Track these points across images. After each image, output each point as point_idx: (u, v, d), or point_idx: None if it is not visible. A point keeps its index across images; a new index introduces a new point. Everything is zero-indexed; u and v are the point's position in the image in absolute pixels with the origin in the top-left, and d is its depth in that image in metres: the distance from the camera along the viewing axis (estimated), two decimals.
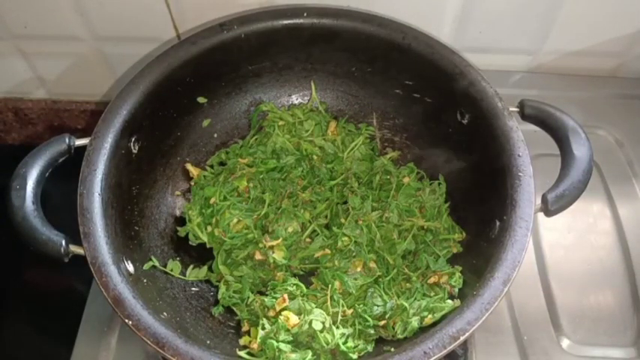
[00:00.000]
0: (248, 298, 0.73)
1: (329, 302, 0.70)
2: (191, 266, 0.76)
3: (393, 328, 0.67)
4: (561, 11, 0.86)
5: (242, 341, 0.70)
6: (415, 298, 0.68)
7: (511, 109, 0.70)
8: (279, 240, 0.76)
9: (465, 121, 0.76)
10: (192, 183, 0.83)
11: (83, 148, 0.67)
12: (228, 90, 0.85)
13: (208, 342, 0.67)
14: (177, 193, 0.83)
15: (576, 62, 0.95)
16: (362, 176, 0.84)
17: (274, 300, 0.69)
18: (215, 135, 0.87)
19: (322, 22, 0.79)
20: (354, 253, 0.75)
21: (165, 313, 0.64)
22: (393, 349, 0.59)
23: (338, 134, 0.86)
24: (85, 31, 0.90)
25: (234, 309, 0.74)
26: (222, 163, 0.86)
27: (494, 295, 0.58)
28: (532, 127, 0.70)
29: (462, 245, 0.76)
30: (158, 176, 0.80)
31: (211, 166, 0.86)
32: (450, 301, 0.66)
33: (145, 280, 0.68)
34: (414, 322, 0.66)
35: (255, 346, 0.66)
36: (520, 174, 0.65)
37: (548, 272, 0.78)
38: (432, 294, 0.69)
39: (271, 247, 0.75)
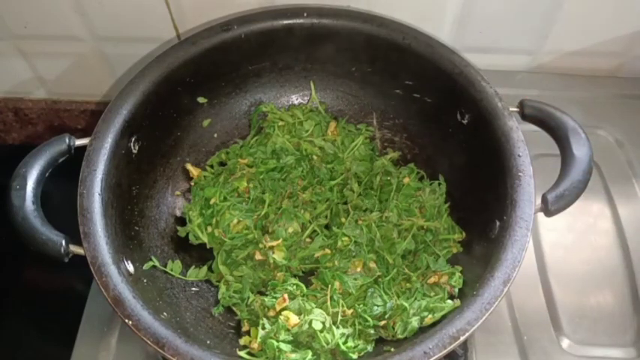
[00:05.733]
0: (248, 298, 0.73)
1: (329, 302, 0.70)
2: (192, 267, 0.76)
3: (393, 328, 0.67)
4: (561, 11, 0.86)
5: (242, 341, 0.70)
6: (415, 298, 0.68)
7: (511, 109, 0.70)
8: (280, 240, 0.75)
9: (465, 121, 0.76)
10: (193, 183, 0.83)
11: (83, 148, 0.67)
12: (228, 90, 0.85)
13: (208, 342, 0.67)
14: (177, 193, 0.83)
15: (576, 62, 0.95)
16: (362, 176, 0.84)
17: (274, 300, 0.69)
18: (215, 135, 0.87)
19: (322, 22, 0.79)
20: (354, 253, 0.75)
21: (165, 313, 0.64)
22: (393, 349, 0.59)
23: (338, 134, 0.86)
24: (85, 31, 0.90)
25: (234, 309, 0.74)
26: (222, 164, 0.86)
27: (494, 295, 0.58)
28: (532, 127, 0.70)
29: (462, 245, 0.76)
30: (158, 176, 0.80)
31: (211, 167, 0.86)
32: (450, 301, 0.66)
33: (145, 280, 0.68)
34: (414, 322, 0.66)
35: (255, 345, 0.66)
36: (520, 174, 0.65)
37: (548, 272, 0.78)
38: (432, 294, 0.69)
39: (271, 248, 0.75)
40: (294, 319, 0.67)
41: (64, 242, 0.61)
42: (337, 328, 0.67)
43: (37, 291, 0.99)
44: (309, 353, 0.64)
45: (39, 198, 0.63)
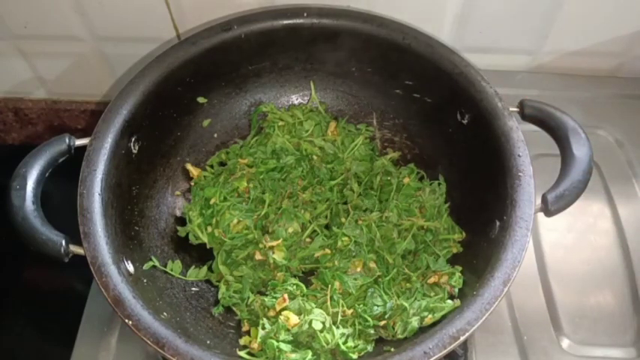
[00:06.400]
0: (248, 298, 0.73)
1: (329, 302, 0.70)
2: (192, 267, 0.76)
3: (393, 328, 0.67)
4: (561, 11, 0.86)
5: (242, 341, 0.70)
6: (415, 298, 0.68)
7: (511, 109, 0.70)
8: (280, 240, 0.75)
9: (465, 121, 0.76)
10: (193, 183, 0.83)
11: (83, 148, 0.67)
12: (228, 90, 0.85)
13: (208, 342, 0.67)
14: (177, 193, 0.83)
15: (576, 62, 0.95)
16: (362, 176, 0.84)
17: (274, 300, 0.69)
18: (215, 135, 0.87)
19: (322, 22, 0.79)
20: (354, 253, 0.75)
21: (165, 313, 0.64)
22: (393, 349, 0.59)
23: (338, 134, 0.86)
24: (85, 31, 0.90)
25: (234, 309, 0.74)
26: (222, 164, 0.86)
27: (494, 295, 0.58)
28: (532, 127, 0.70)
29: (462, 245, 0.76)
30: (158, 176, 0.80)
31: (211, 167, 0.86)
32: (450, 301, 0.66)
33: (145, 280, 0.68)
34: (414, 322, 0.66)
35: (255, 345, 0.66)
36: (520, 174, 0.65)
37: (548, 272, 0.78)
38: (432, 294, 0.69)
39: (271, 248, 0.75)
40: (294, 319, 0.67)
41: (64, 242, 0.61)
42: (337, 328, 0.67)
43: (37, 291, 0.99)
44: (309, 353, 0.64)
45: (39, 198, 0.63)
